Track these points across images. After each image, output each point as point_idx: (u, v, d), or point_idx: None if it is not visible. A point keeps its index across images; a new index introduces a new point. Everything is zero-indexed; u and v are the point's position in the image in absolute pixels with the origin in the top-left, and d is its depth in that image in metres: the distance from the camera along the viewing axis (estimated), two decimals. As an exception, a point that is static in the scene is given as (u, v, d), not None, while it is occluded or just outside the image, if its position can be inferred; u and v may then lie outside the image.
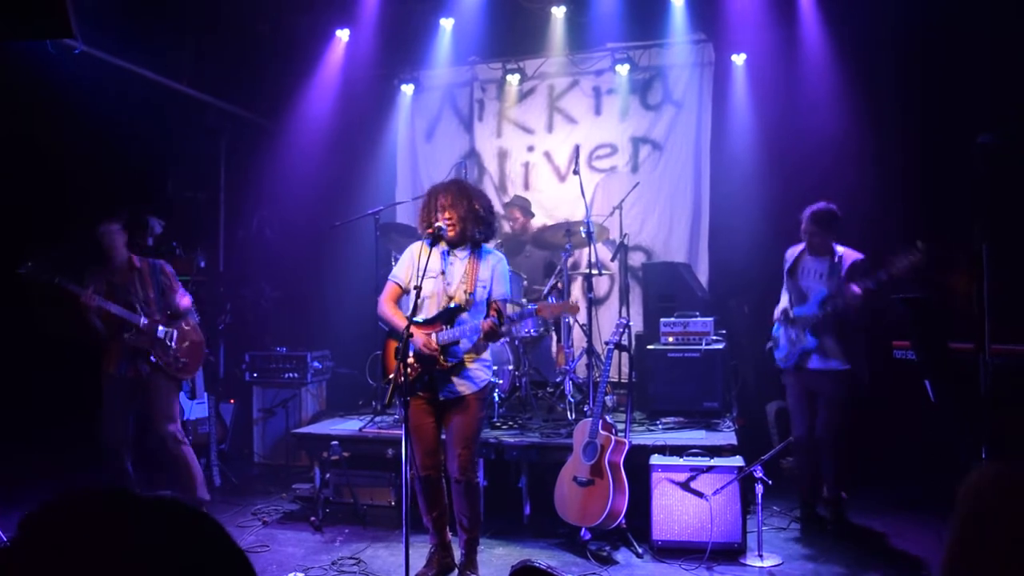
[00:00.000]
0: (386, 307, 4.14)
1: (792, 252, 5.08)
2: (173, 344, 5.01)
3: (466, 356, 4.06)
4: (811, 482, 5.04)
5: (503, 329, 4.00)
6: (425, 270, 3.90)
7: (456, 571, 4.25)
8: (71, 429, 5.77)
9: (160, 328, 4.97)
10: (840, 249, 4.89)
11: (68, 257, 4.87)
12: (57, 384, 5.72)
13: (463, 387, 4.06)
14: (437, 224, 4.01)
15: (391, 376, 4.04)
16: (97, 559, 0.74)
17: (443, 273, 4.08)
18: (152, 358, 4.93)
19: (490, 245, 4.32)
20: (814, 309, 4.82)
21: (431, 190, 4.19)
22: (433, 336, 3.96)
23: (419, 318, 3.95)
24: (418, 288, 3.84)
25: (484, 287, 4.08)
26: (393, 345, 4.18)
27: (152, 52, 6.55)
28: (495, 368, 5.63)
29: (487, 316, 3.98)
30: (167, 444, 4.96)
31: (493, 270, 4.11)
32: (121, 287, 4.97)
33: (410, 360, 3.92)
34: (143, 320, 4.91)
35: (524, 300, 6.11)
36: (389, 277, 4.24)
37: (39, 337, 5.64)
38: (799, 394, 4.98)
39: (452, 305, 4.02)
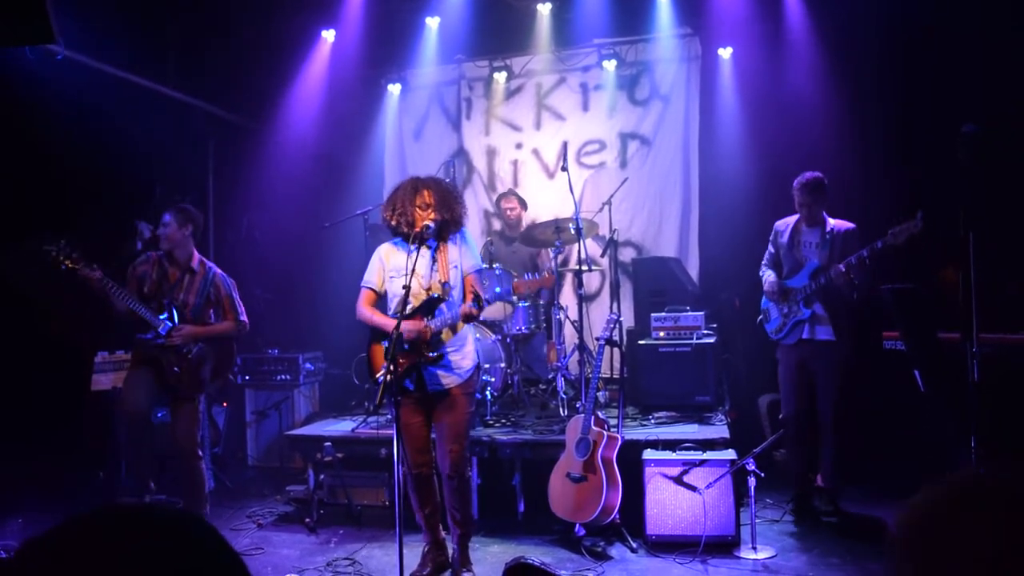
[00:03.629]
0: (366, 311, 4.14)
1: (786, 223, 5.09)
2: (192, 357, 4.68)
3: (444, 337, 4.04)
4: (802, 465, 5.05)
5: (482, 307, 3.93)
6: (412, 271, 3.88)
7: (450, 570, 4.25)
8: (71, 429, 5.75)
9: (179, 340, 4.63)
10: (832, 221, 4.93)
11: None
12: (57, 384, 5.70)
13: (448, 380, 4.06)
14: (425, 223, 4.00)
15: (378, 377, 4.03)
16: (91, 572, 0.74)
17: (416, 269, 4.06)
18: (175, 368, 4.65)
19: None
20: (805, 280, 4.86)
21: (413, 183, 4.11)
22: (427, 325, 3.96)
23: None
24: (407, 288, 3.84)
25: (455, 267, 4.12)
26: (378, 349, 4.15)
27: (137, 56, 6.48)
28: (487, 366, 5.64)
29: (463, 300, 3.99)
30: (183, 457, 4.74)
31: (460, 248, 4.16)
32: (166, 284, 4.69)
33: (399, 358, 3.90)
34: (165, 326, 4.59)
35: (515, 298, 6.11)
36: (362, 284, 4.22)
37: (39, 337, 5.60)
38: (792, 370, 4.99)
39: (432, 296, 4.01)
